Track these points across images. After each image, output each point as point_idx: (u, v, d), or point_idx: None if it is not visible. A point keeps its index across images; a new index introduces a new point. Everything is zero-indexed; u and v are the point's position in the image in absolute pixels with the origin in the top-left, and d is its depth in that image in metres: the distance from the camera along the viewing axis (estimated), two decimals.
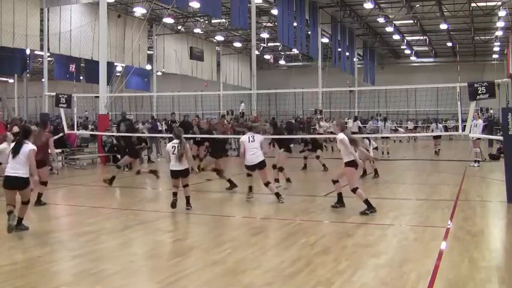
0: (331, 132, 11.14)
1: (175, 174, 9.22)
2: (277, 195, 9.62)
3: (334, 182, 8.97)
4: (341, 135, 8.55)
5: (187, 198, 9.17)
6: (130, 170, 14.63)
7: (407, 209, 9.21)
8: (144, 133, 17.72)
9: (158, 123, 24.09)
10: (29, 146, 7.21)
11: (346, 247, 6.37)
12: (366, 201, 8.45)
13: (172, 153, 9.00)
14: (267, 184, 9.72)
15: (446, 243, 6.53)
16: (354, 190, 8.52)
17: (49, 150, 9.59)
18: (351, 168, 8.51)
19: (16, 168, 7.05)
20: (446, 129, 34.96)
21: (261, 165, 9.66)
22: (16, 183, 7.07)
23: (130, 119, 20.82)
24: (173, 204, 8.95)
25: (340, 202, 8.99)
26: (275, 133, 13.27)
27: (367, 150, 12.58)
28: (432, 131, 22.51)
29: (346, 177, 8.68)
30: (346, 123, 25.69)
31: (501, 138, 10.98)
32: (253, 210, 9.37)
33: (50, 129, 10.91)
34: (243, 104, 29.69)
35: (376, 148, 13.75)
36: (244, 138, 9.88)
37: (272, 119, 29.64)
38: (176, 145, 9.00)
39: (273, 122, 20.16)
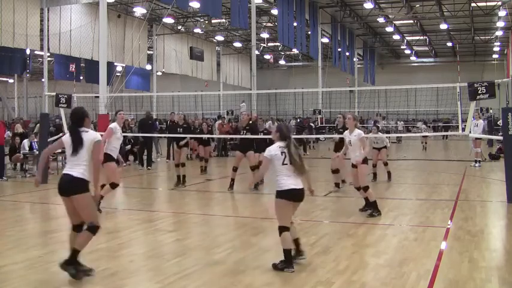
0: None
1: (297, 197, 5.55)
2: None
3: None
4: (359, 131, 8.45)
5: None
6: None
7: (407, 209, 9.21)
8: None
9: (157, 123, 24.12)
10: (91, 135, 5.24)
11: (346, 247, 6.37)
12: (375, 203, 8.28)
13: (283, 164, 5.50)
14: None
15: (446, 243, 6.53)
16: (366, 189, 8.30)
17: None
18: (365, 166, 8.40)
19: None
20: (446, 128, 35.08)
21: None
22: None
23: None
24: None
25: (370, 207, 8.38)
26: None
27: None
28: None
29: (359, 175, 8.37)
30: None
31: (501, 138, 10.99)
32: (253, 210, 9.37)
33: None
34: (244, 103, 29.67)
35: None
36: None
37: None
38: (286, 150, 5.52)
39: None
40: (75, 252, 5.10)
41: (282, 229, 5.46)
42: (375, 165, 12.73)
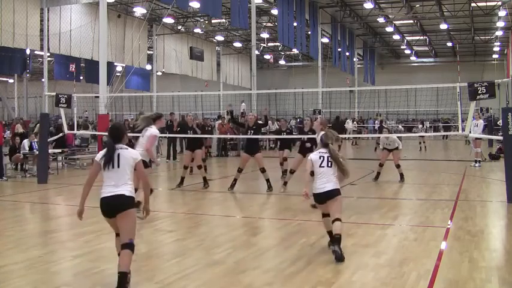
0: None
1: (323, 199, 6.18)
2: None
3: None
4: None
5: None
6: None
7: (407, 209, 9.21)
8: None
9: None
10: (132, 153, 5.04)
11: (346, 247, 6.36)
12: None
13: (320, 166, 6.15)
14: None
15: (446, 243, 6.53)
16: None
17: None
18: None
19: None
20: (446, 129, 35.08)
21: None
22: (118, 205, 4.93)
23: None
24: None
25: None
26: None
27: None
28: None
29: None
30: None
31: (501, 138, 10.99)
32: (253, 210, 9.37)
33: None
34: (243, 103, 29.67)
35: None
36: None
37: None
38: (326, 156, 6.19)
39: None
40: (124, 276, 4.80)
41: (323, 216, 6.41)
42: (381, 164, 12.68)
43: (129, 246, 4.86)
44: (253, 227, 7.86)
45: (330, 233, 6.21)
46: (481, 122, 16.66)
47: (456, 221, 7.84)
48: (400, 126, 34.42)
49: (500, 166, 13.20)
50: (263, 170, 11.08)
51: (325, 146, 6.28)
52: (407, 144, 29.24)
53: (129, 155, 4.93)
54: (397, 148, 12.65)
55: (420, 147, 23.94)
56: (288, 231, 7.41)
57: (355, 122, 35.19)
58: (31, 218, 8.10)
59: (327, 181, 6.10)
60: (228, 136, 21.46)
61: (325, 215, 6.32)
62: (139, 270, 5.63)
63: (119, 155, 4.90)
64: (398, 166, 12.69)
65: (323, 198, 6.14)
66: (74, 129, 15.39)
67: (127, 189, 4.86)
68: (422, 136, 24.53)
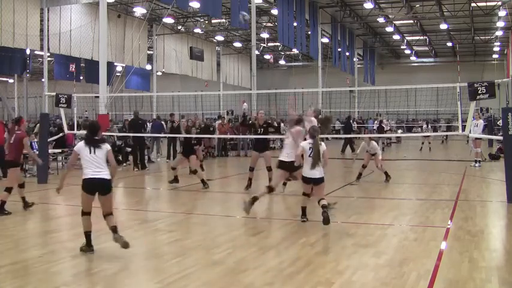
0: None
1: (310, 183, 7.69)
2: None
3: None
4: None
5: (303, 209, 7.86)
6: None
7: (407, 209, 9.21)
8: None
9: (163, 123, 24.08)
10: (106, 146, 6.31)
11: (346, 247, 6.37)
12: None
13: (309, 155, 7.55)
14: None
15: (446, 243, 6.53)
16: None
17: (24, 150, 9.12)
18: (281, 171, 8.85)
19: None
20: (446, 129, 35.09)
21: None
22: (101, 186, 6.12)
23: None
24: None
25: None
26: None
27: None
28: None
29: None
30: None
31: (501, 138, 10.99)
32: (253, 210, 9.36)
33: (25, 126, 10.13)
34: (245, 104, 29.67)
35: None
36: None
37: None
38: (311, 145, 7.57)
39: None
40: (116, 227, 6.11)
41: (303, 193, 7.84)
42: (364, 166, 12.69)
43: (111, 213, 6.20)
44: (253, 227, 7.86)
45: (303, 208, 7.82)
46: (481, 122, 16.66)
47: (456, 221, 7.84)
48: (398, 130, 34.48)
49: (500, 166, 13.20)
50: (269, 169, 11.06)
51: (313, 137, 7.56)
52: (407, 144, 29.28)
53: (103, 146, 6.21)
54: (375, 154, 12.63)
55: (421, 147, 23.90)
56: (288, 231, 7.41)
57: (355, 122, 35.17)
58: (31, 218, 8.10)
59: (315, 169, 7.47)
60: (228, 136, 21.46)
61: (306, 195, 7.78)
62: (139, 270, 5.63)
63: (95, 145, 6.15)
64: (380, 167, 12.68)
65: (310, 182, 7.61)
66: (74, 129, 15.38)
67: (106, 173, 6.11)
68: (427, 136, 24.43)
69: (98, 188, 6.07)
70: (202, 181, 11.84)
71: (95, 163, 6.08)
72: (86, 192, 6.09)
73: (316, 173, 7.51)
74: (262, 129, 11.54)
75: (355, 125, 32.23)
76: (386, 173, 12.67)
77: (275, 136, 26.29)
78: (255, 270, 5.41)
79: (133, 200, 10.75)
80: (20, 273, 5.44)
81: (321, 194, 7.61)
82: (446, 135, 30.79)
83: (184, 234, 7.36)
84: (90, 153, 6.11)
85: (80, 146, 6.25)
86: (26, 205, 8.99)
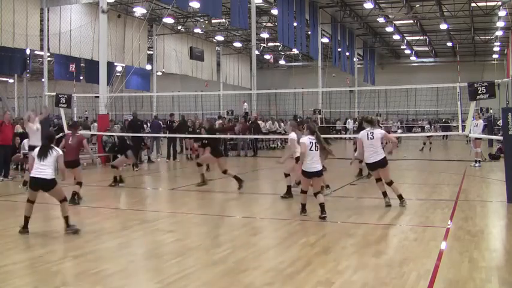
0: None
1: (312, 176, 8.13)
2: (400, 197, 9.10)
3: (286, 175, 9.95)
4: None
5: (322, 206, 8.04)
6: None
7: (407, 209, 9.20)
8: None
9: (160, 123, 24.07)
10: (56, 152, 7.40)
11: (346, 247, 6.37)
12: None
13: (310, 149, 8.03)
14: (390, 183, 9.20)
15: (446, 243, 6.53)
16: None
17: (84, 150, 10.40)
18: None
19: (42, 169, 7.20)
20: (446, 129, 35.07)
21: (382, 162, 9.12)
22: (42, 185, 7.22)
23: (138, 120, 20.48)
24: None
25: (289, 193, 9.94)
26: None
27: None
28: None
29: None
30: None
31: (501, 138, 10.99)
32: (253, 210, 9.37)
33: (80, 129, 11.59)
34: (246, 104, 29.67)
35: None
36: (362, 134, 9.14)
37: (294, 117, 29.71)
38: (314, 141, 8.10)
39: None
40: (68, 217, 7.28)
41: (302, 191, 8.36)
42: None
43: (63, 200, 7.30)
44: (253, 227, 7.86)
45: (303, 205, 8.27)
46: (480, 122, 16.64)
47: (456, 221, 7.84)
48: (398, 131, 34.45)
49: (500, 166, 13.20)
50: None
51: (313, 133, 8.13)
52: (407, 144, 29.26)
53: (54, 152, 7.34)
54: None
55: (422, 147, 23.88)
56: (288, 231, 7.40)
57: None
58: (31, 218, 8.06)
59: (316, 162, 8.04)
60: (228, 136, 21.46)
61: (304, 192, 8.25)
62: (139, 270, 5.63)
63: (50, 151, 7.30)
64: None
65: (312, 175, 8.06)
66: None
67: (51, 173, 7.21)
68: (430, 136, 24.41)
69: (40, 186, 7.23)
70: (236, 177, 11.36)
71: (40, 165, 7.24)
72: (31, 189, 7.34)
73: (318, 166, 8.05)
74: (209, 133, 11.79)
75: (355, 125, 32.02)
76: (361, 170, 13.24)
77: (275, 136, 26.32)
78: (255, 270, 5.41)
79: (133, 200, 10.75)
80: (20, 273, 5.44)
81: (318, 186, 8.18)
82: (446, 135, 30.80)
83: (184, 234, 7.36)
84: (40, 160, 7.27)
85: (35, 153, 7.47)
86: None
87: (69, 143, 9.94)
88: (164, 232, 7.46)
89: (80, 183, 9.75)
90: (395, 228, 7.52)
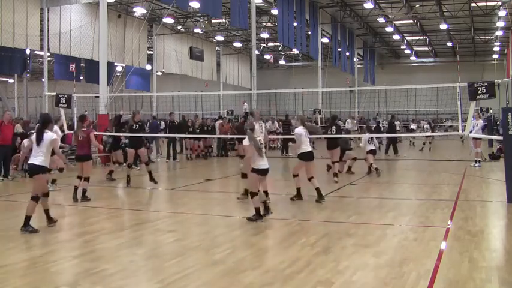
0: None
1: (310, 157, 9.67)
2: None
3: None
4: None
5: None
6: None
7: (407, 209, 9.21)
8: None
9: (159, 123, 24.11)
10: (49, 135, 7.47)
11: (346, 247, 6.37)
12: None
13: (305, 137, 9.57)
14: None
15: (446, 243, 6.53)
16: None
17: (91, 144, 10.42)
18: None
19: (35, 155, 7.35)
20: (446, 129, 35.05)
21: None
22: (30, 169, 7.44)
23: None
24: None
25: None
26: None
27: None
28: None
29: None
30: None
31: (501, 138, 10.99)
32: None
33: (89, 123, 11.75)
34: (246, 103, 29.69)
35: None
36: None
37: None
38: (305, 131, 9.59)
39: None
40: (29, 217, 7.32)
41: (293, 176, 9.77)
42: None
43: (34, 198, 7.35)
44: (253, 227, 7.85)
45: (298, 189, 9.63)
46: (480, 122, 16.65)
47: (456, 221, 7.84)
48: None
49: (500, 166, 13.20)
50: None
51: (303, 125, 9.70)
52: (407, 144, 29.26)
53: (47, 136, 7.36)
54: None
55: (422, 147, 23.96)
56: (288, 231, 7.41)
57: (355, 121, 35.13)
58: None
59: (309, 146, 9.64)
60: (228, 136, 21.45)
61: (296, 176, 9.65)
62: (139, 270, 5.63)
63: (43, 135, 7.34)
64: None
65: (310, 156, 9.51)
66: (74, 129, 15.35)
67: (42, 160, 7.28)
68: (429, 136, 24.53)
69: (29, 171, 7.52)
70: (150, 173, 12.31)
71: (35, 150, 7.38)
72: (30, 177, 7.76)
73: (310, 148, 9.62)
74: (137, 126, 12.54)
75: (398, 123, 31.13)
76: (369, 167, 13.58)
77: (276, 136, 26.26)
78: (255, 270, 5.41)
79: (133, 200, 10.75)
80: (20, 273, 5.44)
81: (312, 171, 9.51)
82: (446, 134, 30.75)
83: (184, 234, 7.36)
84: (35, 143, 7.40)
85: (33, 137, 7.59)
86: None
87: (80, 139, 10.22)
88: (164, 232, 7.46)
89: (87, 179, 9.96)
90: (395, 228, 7.52)
